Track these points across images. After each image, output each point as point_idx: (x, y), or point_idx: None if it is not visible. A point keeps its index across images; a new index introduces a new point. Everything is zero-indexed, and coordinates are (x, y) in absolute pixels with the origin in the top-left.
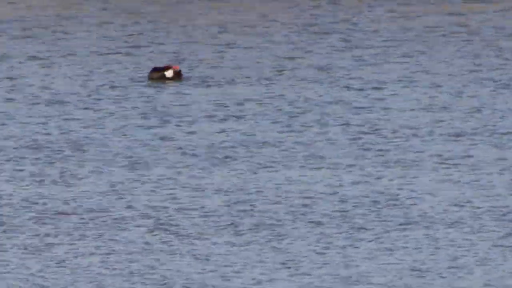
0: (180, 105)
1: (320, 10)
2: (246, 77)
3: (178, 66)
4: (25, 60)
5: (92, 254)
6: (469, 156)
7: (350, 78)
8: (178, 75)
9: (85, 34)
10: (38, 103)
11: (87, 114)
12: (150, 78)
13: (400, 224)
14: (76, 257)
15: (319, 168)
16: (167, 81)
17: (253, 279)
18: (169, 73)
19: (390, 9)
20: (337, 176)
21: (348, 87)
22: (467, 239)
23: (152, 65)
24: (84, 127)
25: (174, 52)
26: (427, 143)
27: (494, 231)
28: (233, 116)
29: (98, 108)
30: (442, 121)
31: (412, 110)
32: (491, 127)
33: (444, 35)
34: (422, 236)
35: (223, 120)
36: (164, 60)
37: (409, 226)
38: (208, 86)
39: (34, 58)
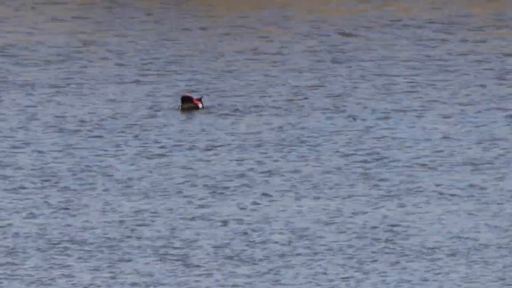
0: (194, 134)
1: (335, 40)
2: (263, 107)
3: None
4: (43, 87)
5: (99, 286)
6: (474, 187)
7: (361, 108)
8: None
9: (103, 62)
10: (53, 132)
11: (100, 143)
12: (182, 108)
13: (405, 256)
14: None
15: (326, 198)
16: (197, 111)
17: None
18: (200, 104)
19: (401, 37)
20: (344, 207)
21: (357, 117)
22: (472, 271)
23: (173, 94)
24: (97, 156)
25: (192, 80)
26: (434, 173)
27: (499, 263)
28: (245, 146)
29: (111, 137)
30: (448, 151)
31: (420, 140)
32: (499, 158)
33: (454, 64)
34: (427, 269)
35: (236, 149)
36: (182, 89)
37: (414, 258)
38: (225, 115)
39: (52, 86)
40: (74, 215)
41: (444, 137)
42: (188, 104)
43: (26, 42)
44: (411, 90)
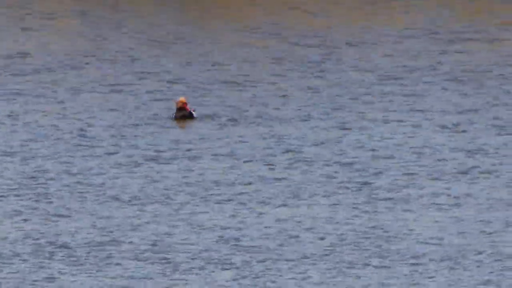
0: (182, 143)
1: (322, 49)
2: (250, 116)
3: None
4: (34, 97)
5: None
6: (459, 195)
7: (346, 117)
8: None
9: (92, 71)
10: (40, 139)
11: (87, 151)
12: (176, 117)
13: (390, 262)
14: None
15: (311, 206)
16: (191, 120)
17: None
18: (195, 113)
19: (384, 47)
20: (329, 214)
21: (342, 126)
22: (456, 277)
23: (165, 103)
24: (84, 164)
25: (181, 91)
26: (418, 181)
27: (482, 269)
28: (231, 155)
29: (98, 145)
30: (432, 160)
31: (404, 149)
32: (484, 167)
33: (438, 74)
34: (411, 274)
35: (222, 158)
36: (173, 98)
37: (398, 264)
38: (213, 124)
39: (42, 95)
40: (60, 221)
41: (428, 146)
42: (183, 112)
43: (12, 51)
44: (393, 100)
